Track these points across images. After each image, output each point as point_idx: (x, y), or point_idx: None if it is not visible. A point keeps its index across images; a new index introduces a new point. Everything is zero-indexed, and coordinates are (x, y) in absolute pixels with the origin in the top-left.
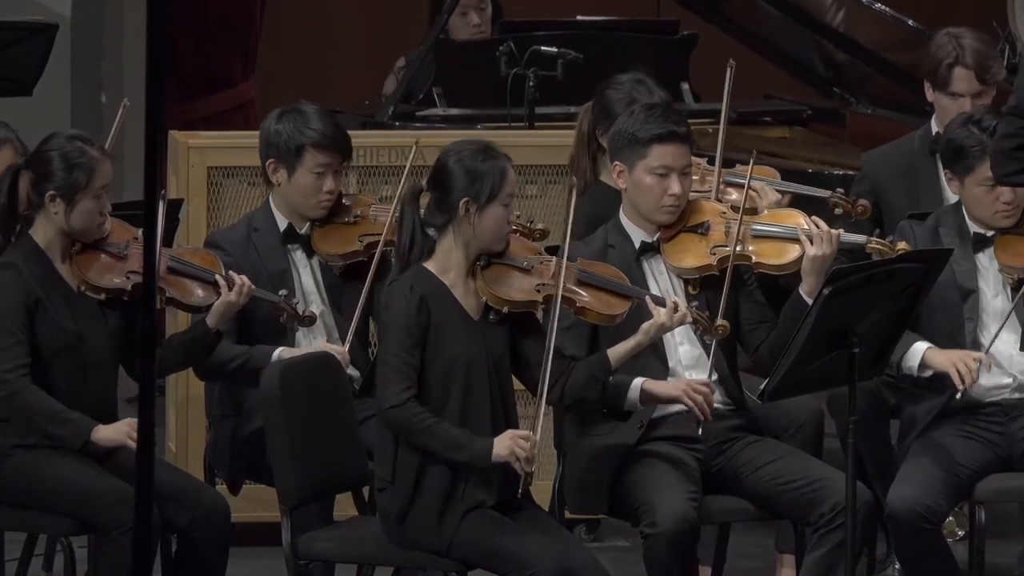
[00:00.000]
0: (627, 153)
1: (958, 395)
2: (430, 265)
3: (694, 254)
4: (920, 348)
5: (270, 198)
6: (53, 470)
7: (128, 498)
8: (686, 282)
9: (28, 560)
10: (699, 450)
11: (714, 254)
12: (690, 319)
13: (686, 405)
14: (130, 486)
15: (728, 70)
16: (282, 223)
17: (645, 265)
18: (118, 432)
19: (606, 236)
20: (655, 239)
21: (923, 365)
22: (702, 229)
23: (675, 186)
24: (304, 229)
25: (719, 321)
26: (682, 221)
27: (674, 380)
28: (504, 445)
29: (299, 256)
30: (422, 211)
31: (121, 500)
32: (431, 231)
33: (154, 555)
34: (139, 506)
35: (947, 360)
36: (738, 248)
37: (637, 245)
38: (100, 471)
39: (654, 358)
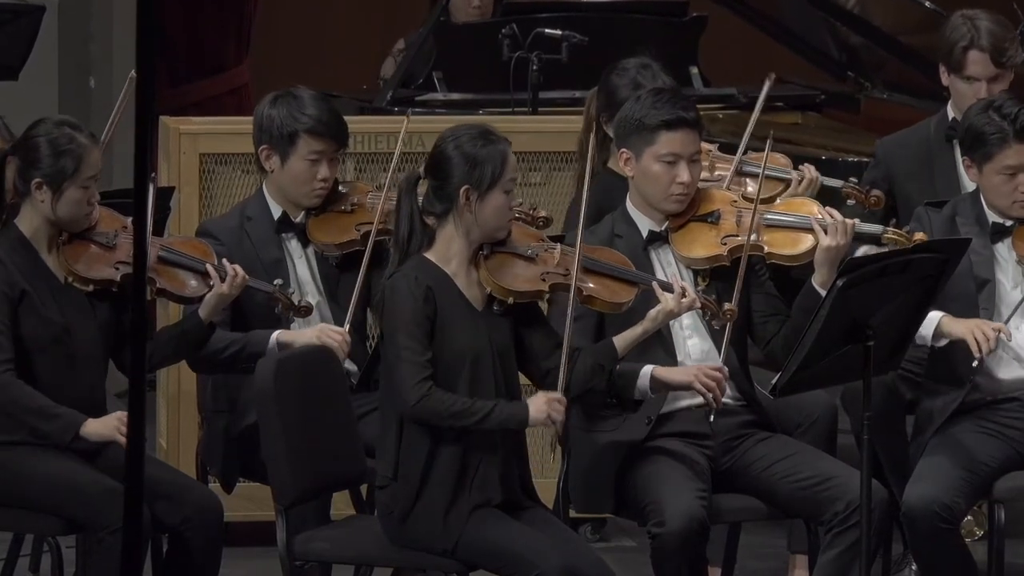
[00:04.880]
0: (634, 140)
1: (974, 363)
2: (431, 255)
3: (704, 244)
4: (935, 316)
5: (263, 186)
6: (40, 468)
7: (117, 496)
8: (695, 273)
9: (15, 561)
10: (709, 447)
11: (725, 244)
12: (698, 304)
13: (697, 391)
14: (119, 484)
15: (767, 81)
16: (276, 211)
17: (653, 255)
18: (107, 427)
19: (612, 225)
20: (663, 228)
21: (938, 334)
22: (712, 218)
23: (684, 174)
24: (299, 218)
25: (727, 305)
26: (691, 210)
27: (684, 366)
28: (540, 408)
29: (294, 245)
30: (420, 199)
31: (110, 499)
32: (430, 220)
33: (144, 556)
34: (129, 505)
35: (965, 328)
36: (751, 238)
37: (645, 234)
38: (88, 469)
39: (662, 352)
